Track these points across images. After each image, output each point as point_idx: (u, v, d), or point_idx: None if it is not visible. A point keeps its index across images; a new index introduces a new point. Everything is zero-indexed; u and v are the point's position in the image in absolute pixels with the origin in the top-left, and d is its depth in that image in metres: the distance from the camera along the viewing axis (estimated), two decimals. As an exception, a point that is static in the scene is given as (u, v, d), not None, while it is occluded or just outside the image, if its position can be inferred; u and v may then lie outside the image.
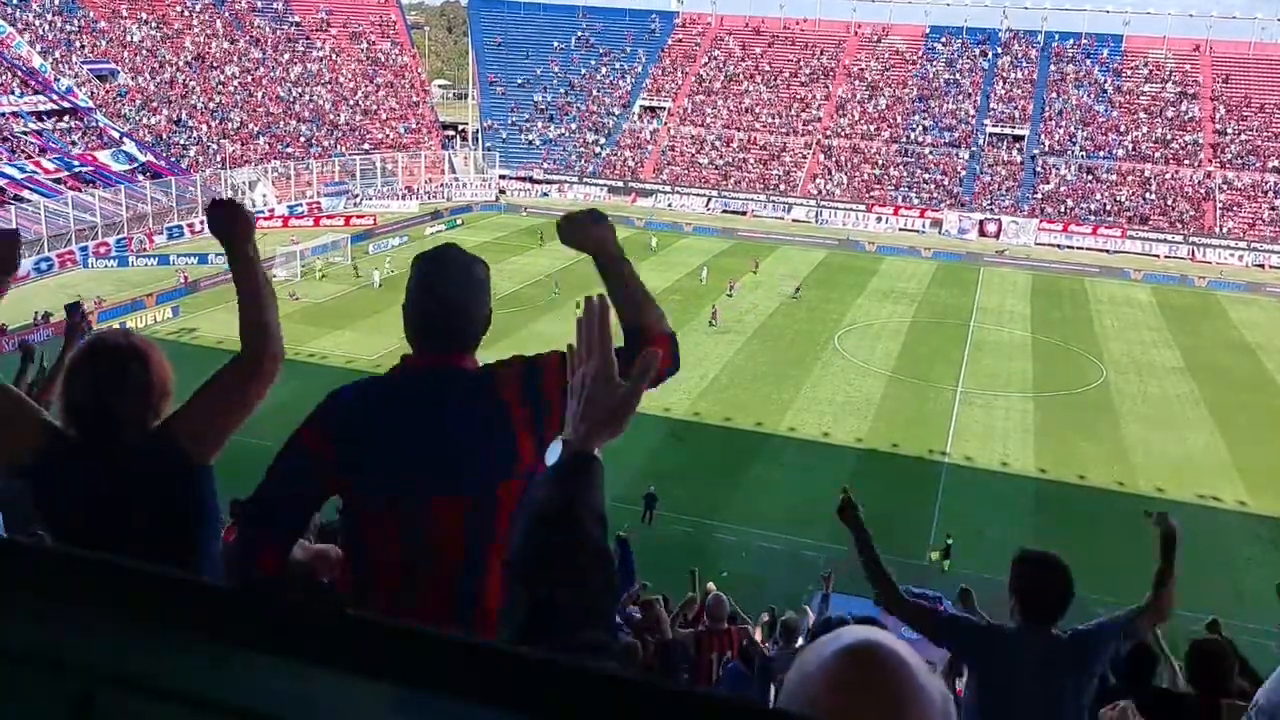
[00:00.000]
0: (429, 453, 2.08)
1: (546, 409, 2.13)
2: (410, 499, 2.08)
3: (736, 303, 43.11)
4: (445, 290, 2.18)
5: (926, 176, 65.47)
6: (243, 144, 60.42)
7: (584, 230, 2.22)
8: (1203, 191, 61.90)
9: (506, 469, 2.12)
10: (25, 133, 50.38)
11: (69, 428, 2.25)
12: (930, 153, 66.96)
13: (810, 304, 43.26)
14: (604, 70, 77.69)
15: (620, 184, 68.27)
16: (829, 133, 69.60)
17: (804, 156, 68.36)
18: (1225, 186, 62.05)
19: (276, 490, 2.13)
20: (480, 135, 74.17)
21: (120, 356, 2.24)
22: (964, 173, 65.43)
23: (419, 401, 2.13)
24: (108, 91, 57.76)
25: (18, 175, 46.81)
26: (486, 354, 2.25)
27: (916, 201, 63.65)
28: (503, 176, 69.59)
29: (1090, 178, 63.81)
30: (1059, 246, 59.14)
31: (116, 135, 53.79)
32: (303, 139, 63.95)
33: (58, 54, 57.28)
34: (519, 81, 76.89)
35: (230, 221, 2.31)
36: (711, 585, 9.69)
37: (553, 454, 1.50)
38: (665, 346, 2.14)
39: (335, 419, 2.15)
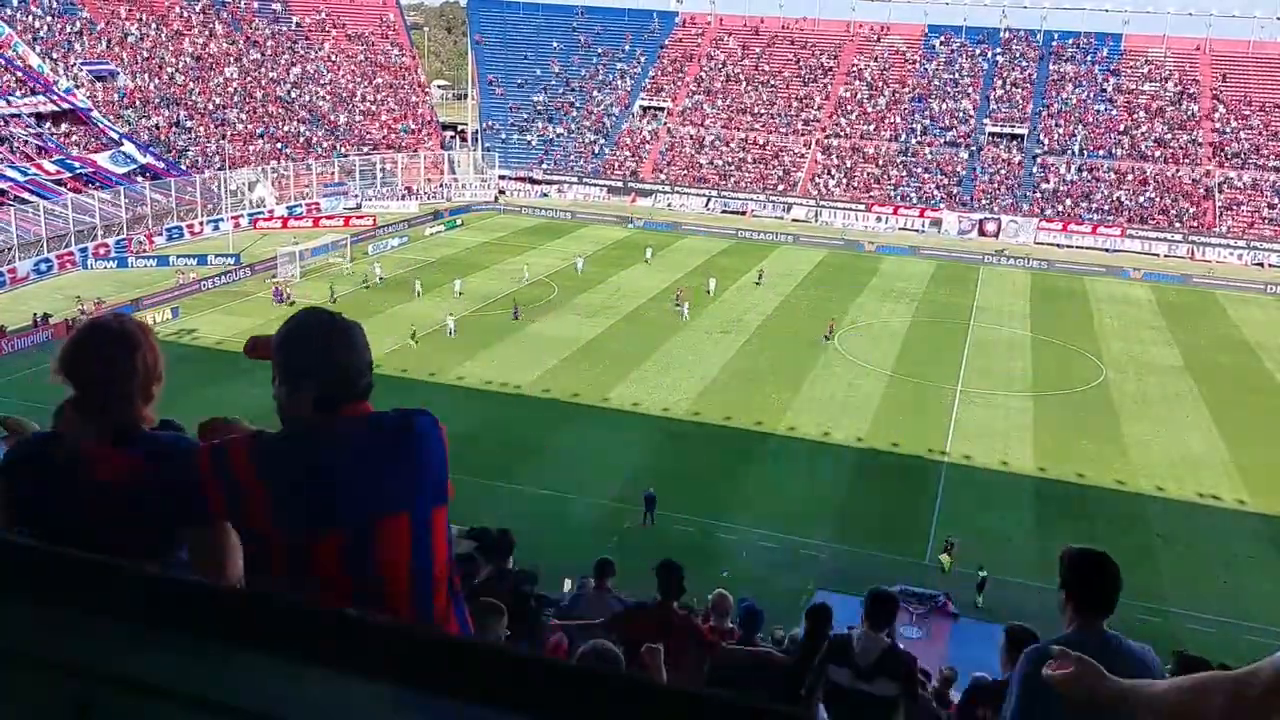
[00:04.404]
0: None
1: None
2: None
3: (737, 302, 43.11)
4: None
5: (926, 176, 65.48)
6: (242, 145, 60.43)
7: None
8: (1202, 190, 61.90)
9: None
10: (26, 135, 50.39)
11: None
12: (930, 152, 66.96)
13: (810, 304, 43.26)
14: (603, 70, 77.68)
15: (620, 184, 68.28)
16: (828, 133, 69.59)
17: (803, 156, 68.37)
18: (1225, 185, 62.05)
19: None
20: (480, 136, 74.15)
21: (111, 340, 2.31)
22: (963, 172, 65.42)
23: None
24: (107, 93, 57.77)
25: (20, 178, 46.83)
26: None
27: (916, 201, 63.68)
28: (502, 177, 69.60)
29: (1090, 177, 63.80)
30: (1058, 245, 59.14)
31: (116, 137, 53.79)
32: (302, 140, 63.96)
33: (57, 55, 57.30)
34: (518, 82, 76.87)
35: None
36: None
37: None
38: None
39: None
